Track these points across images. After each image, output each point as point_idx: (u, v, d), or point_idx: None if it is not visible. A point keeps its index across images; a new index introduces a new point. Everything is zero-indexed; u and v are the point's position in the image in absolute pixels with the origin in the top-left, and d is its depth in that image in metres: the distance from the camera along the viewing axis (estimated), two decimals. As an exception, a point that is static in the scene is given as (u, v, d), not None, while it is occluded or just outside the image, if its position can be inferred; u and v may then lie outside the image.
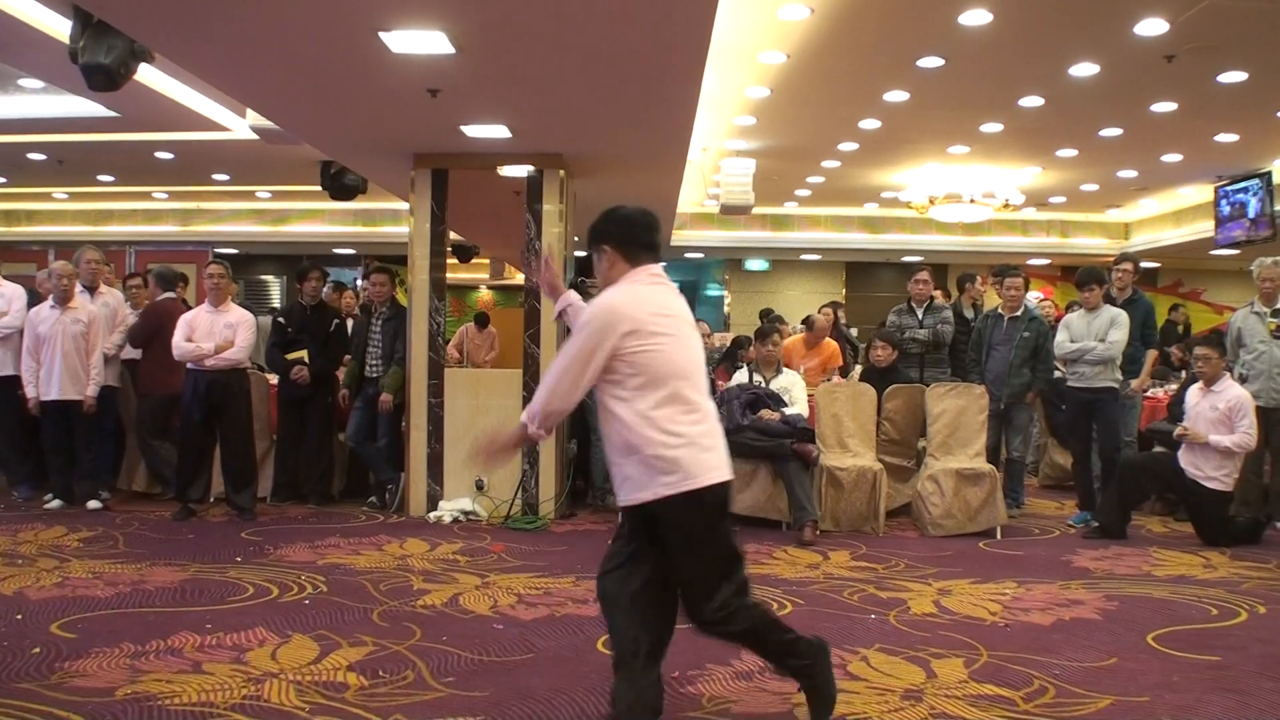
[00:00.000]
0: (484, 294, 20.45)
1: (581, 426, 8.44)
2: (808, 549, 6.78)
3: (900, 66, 8.39)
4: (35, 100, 9.53)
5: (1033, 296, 9.48)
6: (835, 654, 4.42)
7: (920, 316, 8.84)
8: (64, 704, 3.75)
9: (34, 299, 8.17)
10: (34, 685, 3.95)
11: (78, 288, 7.98)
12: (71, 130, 10.52)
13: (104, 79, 6.25)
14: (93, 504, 7.75)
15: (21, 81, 8.87)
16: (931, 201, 13.50)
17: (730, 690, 4.01)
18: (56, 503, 7.77)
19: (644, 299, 3.40)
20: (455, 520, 7.65)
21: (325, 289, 8.74)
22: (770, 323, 9.28)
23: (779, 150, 11.71)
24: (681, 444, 3.32)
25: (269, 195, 16.02)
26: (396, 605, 5.22)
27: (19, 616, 4.91)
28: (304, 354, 8.06)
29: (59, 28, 6.61)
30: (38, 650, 4.39)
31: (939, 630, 4.90)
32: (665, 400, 3.33)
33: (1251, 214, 12.54)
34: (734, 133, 10.85)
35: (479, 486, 7.89)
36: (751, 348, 8.47)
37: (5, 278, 8.46)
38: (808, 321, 9.86)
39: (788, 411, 7.43)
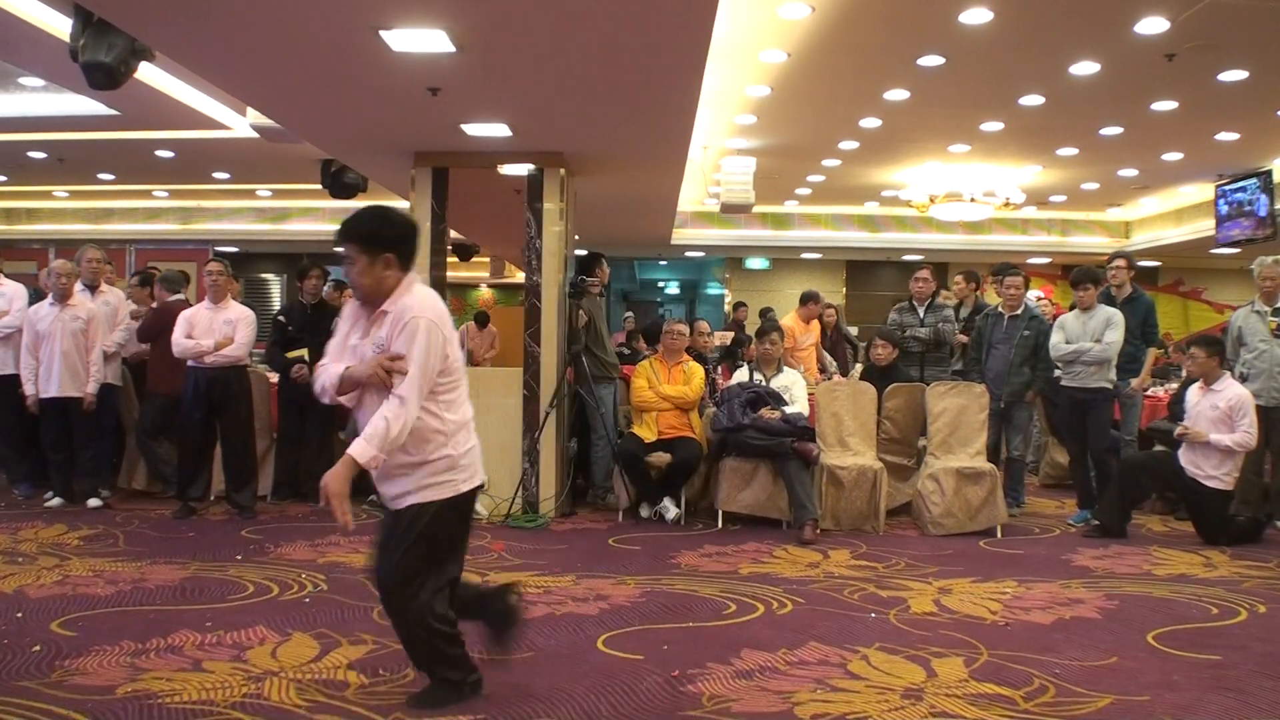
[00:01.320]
0: (484, 293, 20.47)
1: (582, 425, 8.44)
2: (808, 548, 6.78)
3: (901, 65, 8.39)
4: (36, 98, 9.54)
5: (1032, 295, 9.48)
6: (835, 653, 4.46)
7: (921, 315, 8.84)
8: (64, 702, 3.75)
9: (37, 297, 8.17)
10: (34, 683, 3.95)
11: (78, 286, 7.97)
12: (72, 129, 10.54)
13: (104, 77, 6.25)
14: (93, 502, 7.75)
15: (22, 80, 8.88)
16: (932, 200, 13.51)
17: (731, 689, 4.00)
18: (57, 501, 7.77)
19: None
20: (456, 518, 7.63)
21: (326, 287, 8.73)
22: (770, 321, 9.33)
23: (779, 149, 11.71)
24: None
25: (269, 194, 16.04)
26: (397, 604, 5.22)
27: (19, 615, 4.91)
28: (304, 353, 8.04)
29: (60, 26, 6.61)
30: (38, 648, 4.39)
31: (939, 629, 4.90)
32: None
33: (1262, 212, 12.52)
34: (734, 131, 10.86)
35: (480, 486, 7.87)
36: (752, 346, 8.49)
37: (6, 276, 8.46)
38: (811, 296, 10.14)
39: (788, 410, 7.44)
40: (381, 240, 3.49)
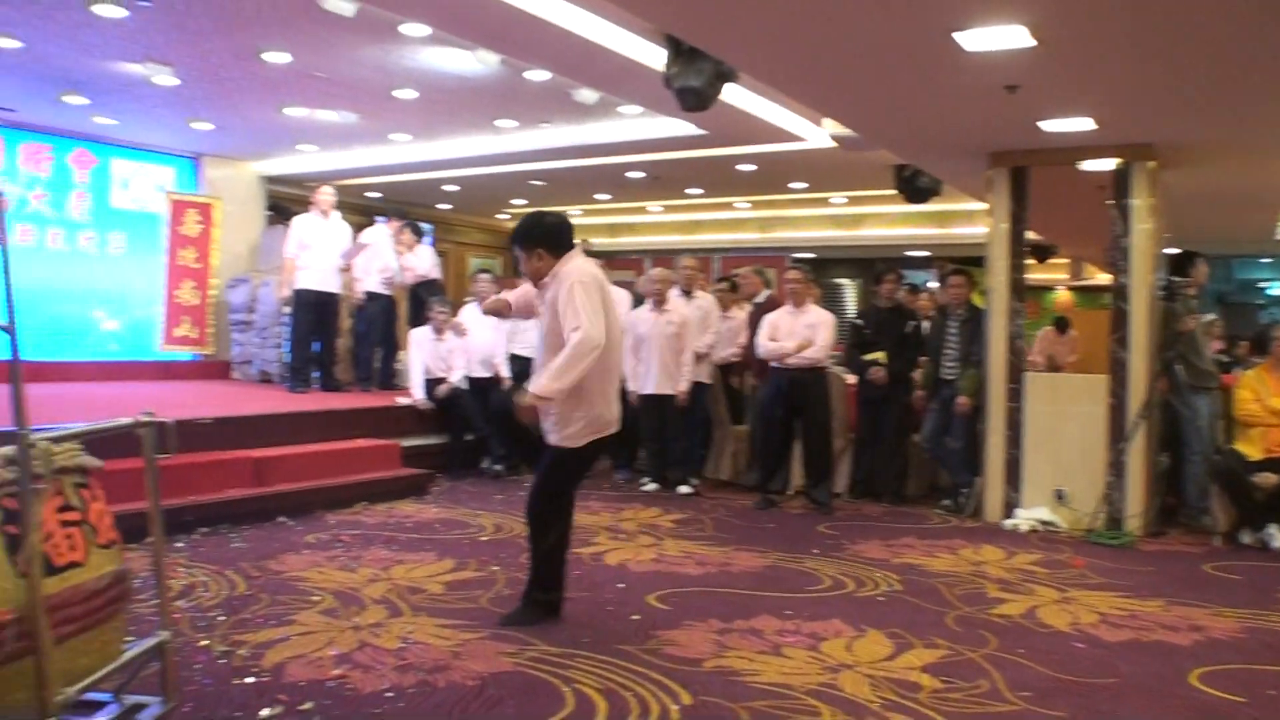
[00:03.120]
0: (1062, 295, 19.53)
1: (1175, 440, 7.80)
2: None
3: None
4: (634, 124, 10.58)
5: None
6: None
7: None
8: (657, 668, 4.14)
9: (637, 303, 9.03)
10: (633, 648, 4.40)
11: (674, 292, 8.71)
12: (665, 149, 11.51)
13: (695, 100, 6.82)
14: (683, 489, 8.44)
15: (621, 109, 9.88)
16: None
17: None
18: (652, 486, 8.57)
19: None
20: (1033, 529, 7.37)
21: (901, 291, 8.83)
22: None
23: None
24: None
25: (844, 200, 16.47)
26: (971, 612, 5.16)
27: (621, 585, 5.48)
28: (881, 355, 8.20)
29: (654, 58, 7.27)
30: (637, 617, 4.87)
31: None
32: None
33: None
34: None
35: (1059, 496, 7.55)
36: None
37: (613, 284, 9.45)
38: None
39: None
40: (532, 239, 4.62)
